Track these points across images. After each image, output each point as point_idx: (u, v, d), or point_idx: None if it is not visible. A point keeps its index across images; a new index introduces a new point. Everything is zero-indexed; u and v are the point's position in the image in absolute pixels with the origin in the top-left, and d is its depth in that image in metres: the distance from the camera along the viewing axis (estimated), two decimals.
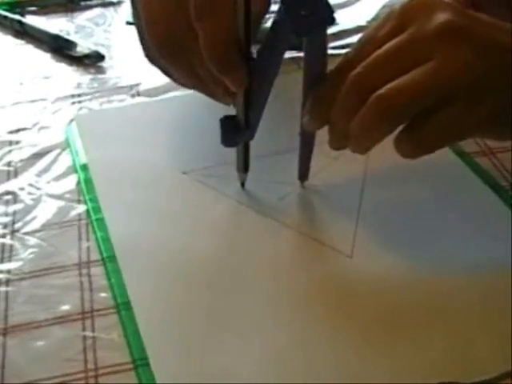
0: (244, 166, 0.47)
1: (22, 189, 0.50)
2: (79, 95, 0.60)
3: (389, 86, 0.36)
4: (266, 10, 0.44)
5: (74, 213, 0.48)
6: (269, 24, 0.41)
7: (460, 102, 0.36)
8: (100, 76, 0.63)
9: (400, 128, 0.38)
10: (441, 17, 0.36)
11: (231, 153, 0.47)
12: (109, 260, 0.44)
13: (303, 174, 0.48)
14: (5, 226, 0.47)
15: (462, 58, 0.35)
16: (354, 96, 0.37)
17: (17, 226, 0.47)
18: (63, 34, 0.67)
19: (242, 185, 0.48)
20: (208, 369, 0.37)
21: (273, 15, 0.40)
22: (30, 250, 0.45)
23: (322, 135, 0.45)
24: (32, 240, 0.46)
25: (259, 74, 0.41)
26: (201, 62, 0.40)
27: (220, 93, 0.42)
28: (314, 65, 0.41)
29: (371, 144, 0.38)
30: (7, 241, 0.46)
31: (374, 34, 0.38)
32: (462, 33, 0.36)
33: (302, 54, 0.40)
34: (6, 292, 0.42)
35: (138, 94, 0.60)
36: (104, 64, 0.64)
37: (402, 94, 0.35)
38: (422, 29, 0.36)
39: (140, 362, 0.38)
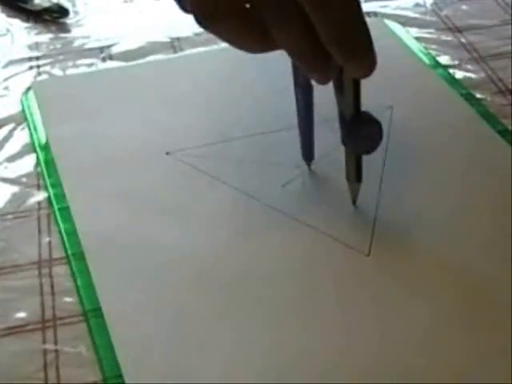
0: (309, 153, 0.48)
1: None
2: (37, 58, 0.60)
3: None
4: None
5: (32, 201, 0.48)
6: None
7: None
8: (63, 35, 0.63)
9: None
10: None
11: (224, 130, 0.47)
12: (75, 258, 0.44)
13: (308, 153, 0.49)
14: None
15: None
16: None
17: None
18: None
19: (354, 201, 0.46)
20: None
21: None
22: None
23: (329, 109, 0.45)
24: None
25: None
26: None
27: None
28: None
29: None
30: None
31: None
32: None
33: None
34: None
35: (111, 58, 0.60)
36: (68, 20, 0.64)
37: None
38: None
39: (112, 381, 0.38)
